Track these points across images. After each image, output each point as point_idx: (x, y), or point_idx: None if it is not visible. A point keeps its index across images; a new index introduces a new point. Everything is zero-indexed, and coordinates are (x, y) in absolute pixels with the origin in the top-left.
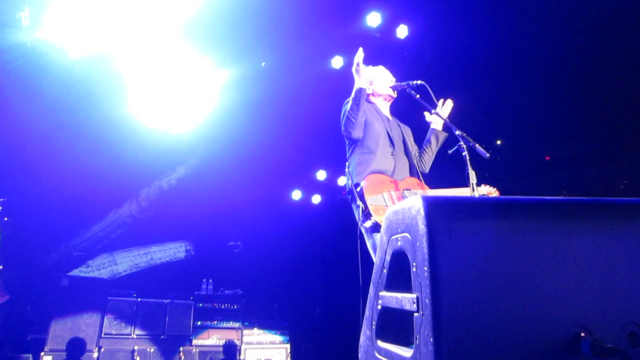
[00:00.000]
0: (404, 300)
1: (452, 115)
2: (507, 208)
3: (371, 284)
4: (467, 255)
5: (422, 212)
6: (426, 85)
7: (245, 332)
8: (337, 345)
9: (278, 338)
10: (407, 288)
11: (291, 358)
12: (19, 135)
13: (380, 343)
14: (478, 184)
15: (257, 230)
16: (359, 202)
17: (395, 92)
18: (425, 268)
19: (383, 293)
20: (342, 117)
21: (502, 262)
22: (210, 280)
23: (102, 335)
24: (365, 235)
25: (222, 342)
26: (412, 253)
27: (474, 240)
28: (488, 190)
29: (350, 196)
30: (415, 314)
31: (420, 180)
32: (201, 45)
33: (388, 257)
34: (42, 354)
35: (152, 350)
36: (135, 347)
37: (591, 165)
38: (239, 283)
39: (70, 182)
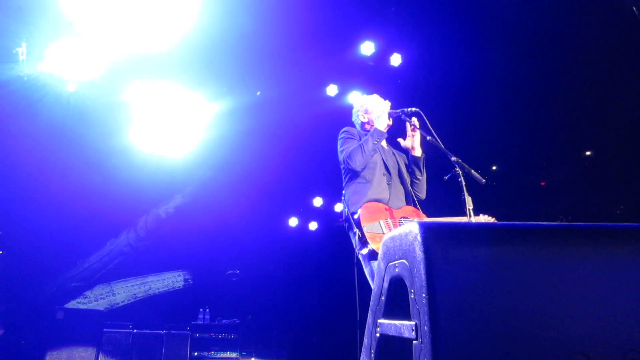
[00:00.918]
0: (403, 327)
1: (447, 142)
2: (504, 234)
3: (369, 312)
4: (465, 281)
5: (419, 238)
6: (421, 112)
7: None
8: None
9: None
10: (406, 315)
11: None
12: (14, 168)
13: None
14: (476, 213)
15: (254, 258)
16: (355, 230)
17: (391, 119)
18: (424, 295)
19: (381, 320)
20: (341, 146)
21: (501, 289)
22: (207, 310)
23: None
24: (362, 262)
25: None
26: (410, 280)
27: (472, 266)
28: (486, 219)
29: (347, 224)
30: (414, 342)
31: (417, 209)
32: (196, 76)
33: (386, 284)
34: None
35: None
36: None
37: (587, 190)
38: (236, 312)
39: (67, 213)
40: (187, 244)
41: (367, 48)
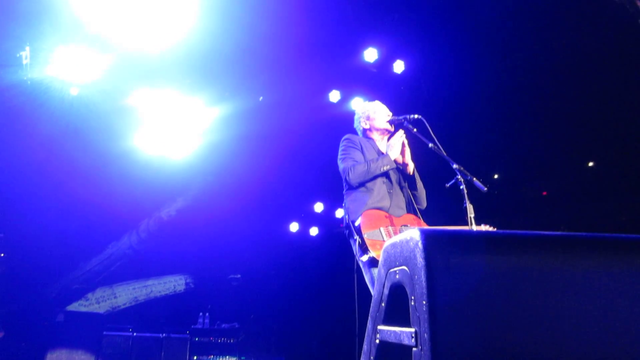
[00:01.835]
0: (402, 334)
1: (449, 149)
2: (506, 242)
3: (369, 318)
4: (466, 289)
5: (420, 245)
6: (423, 119)
7: None
8: None
9: None
10: (406, 322)
11: None
12: (16, 171)
13: None
14: (478, 222)
15: (254, 263)
16: (356, 237)
17: (393, 126)
18: (424, 302)
19: (381, 327)
20: (342, 154)
21: (501, 297)
22: (207, 314)
23: None
24: (362, 269)
25: None
26: (410, 286)
27: (473, 274)
28: (488, 229)
29: (347, 231)
30: (414, 349)
31: (418, 217)
32: (199, 80)
33: (386, 291)
34: None
35: None
36: None
37: (590, 200)
38: (235, 316)
39: (69, 216)
40: (189, 247)
41: (371, 55)
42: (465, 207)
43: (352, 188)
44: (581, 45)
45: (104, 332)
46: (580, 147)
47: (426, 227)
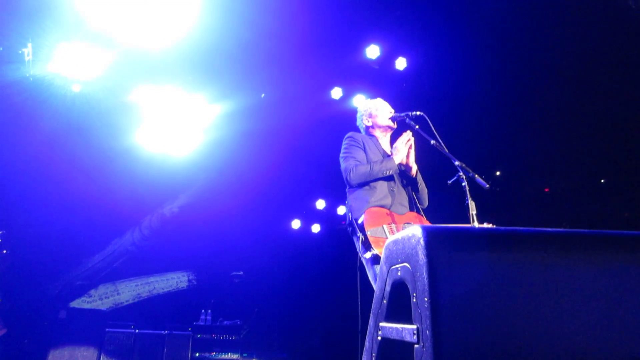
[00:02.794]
0: (404, 331)
1: (451, 146)
2: (507, 239)
3: (371, 315)
4: (467, 285)
5: (422, 242)
6: (425, 116)
7: None
8: None
9: None
10: (408, 319)
11: None
12: (19, 168)
13: None
14: (480, 220)
15: (256, 260)
16: (359, 234)
17: (395, 123)
18: (426, 299)
19: (383, 324)
20: (344, 153)
21: (503, 294)
22: (209, 311)
23: None
24: (365, 266)
25: None
26: (412, 283)
27: (475, 270)
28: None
29: (350, 228)
30: (416, 346)
31: (421, 215)
32: (201, 77)
33: (388, 288)
34: None
35: None
36: None
37: (591, 197)
38: (238, 313)
39: (71, 213)
40: (191, 244)
41: (373, 51)
42: (467, 204)
43: (354, 186)
44: (584, 41)
45: (107, 329)
46: (582, 144)
47: (428, 224)
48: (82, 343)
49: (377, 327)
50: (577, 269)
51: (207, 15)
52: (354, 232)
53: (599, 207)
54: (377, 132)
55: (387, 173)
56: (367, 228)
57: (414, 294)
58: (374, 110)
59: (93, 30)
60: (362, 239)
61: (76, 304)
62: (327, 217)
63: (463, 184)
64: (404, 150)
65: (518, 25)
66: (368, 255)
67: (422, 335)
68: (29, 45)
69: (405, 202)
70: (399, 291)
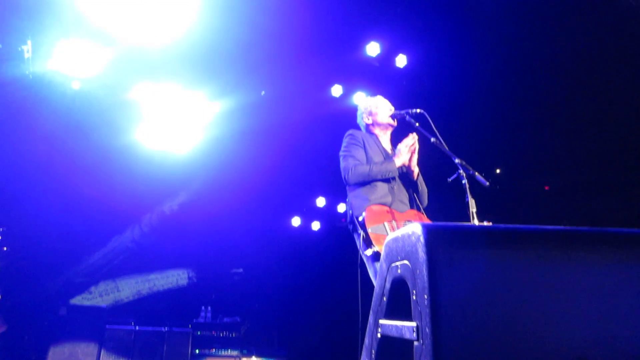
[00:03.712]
0: (404, 328)
1: (451, 144)
2: (507, 236)
3: (371, 312)
4: (467, 283)
5: (422, 239)
6: (425, 114)
7: None
8: None
9: None
10: (407, 316)
11: None
12: (19, 165)
13: None
14: (480, 218)
15: (256, 257)
16: (360, 231)
17: (395, 120)
18: (425, 296)
19: (383, 321)
20: (344, 151)
21: (503, 291)
22: (209, 308)
23: None
24: (366, 263)
25: None
26: (412, 281)
27: (474, 268)
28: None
29: (351, 226)
30: (415, 343)
31: (421, 213)
32: (201, 74)
33: (388, 285)
34: None
35: None
36: None
37: (591, 195)
38: (237, 310)
39: (71, 210)
40: (191, 241)
41: (373, 49)
42: (468, 202)
43: (355, 184)
44: (584, 39)
45: (107, 326)
46: (583, 142)
47: (429, 222)
48: (82, 340)
49: (376, 325)
50: (577, 266)
51: (207, 12)
52: (355, 230)
53: (599, 205)
54: (377, 130)
55: (386, 175)
56: (368, 225)
57: (414, 292)
58: (374, 108)
59: (93, 27)
60: (363, 236)
61: (76, 300)
62: (327, 215)
63: (463, 181)
64: (405, 155)
65: (518, 23)
66: (369, 252)
67: (421, 332)
68: (29, 42)
69: (406, 199)
70: (399, 288)
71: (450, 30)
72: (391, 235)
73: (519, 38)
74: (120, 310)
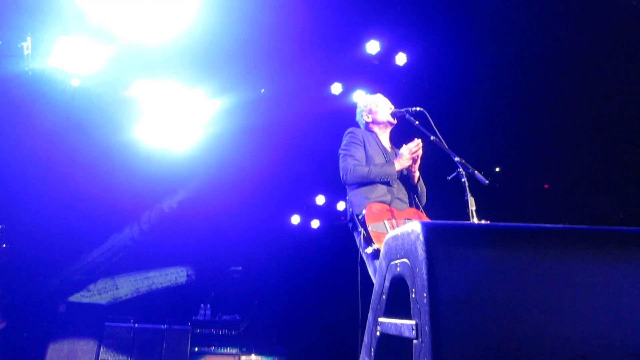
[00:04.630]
0: (403, 327)
1: (451, 142)
2: (507, 235)
3: (370, 310)
4: (466, 281)
5: (421, 237)
6: (425, 112)
7: (243, 358)
8: None
9: None
10: (407, 314)
11: None
12: (18, 162)
13: None
14: (479, 217)
15: (256, 255)
16: (360, 229)
17: (395, 118)
18: (425, 294)
19: (382, 319)
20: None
21: (502, 290)
22: (209, 306)
23: None
24: (366, 261)
25: None
26: (411, 279)
27: (474, 266)
28: None
29: (351, 224)
30: (415, 341)
31: (420, 211)
32: (200, 72)
33: (387, 283)
34: None
35: None
36: None
37: (591, 193)
38: (237, 308)
39: (70, 207)
40: (190, 239)
41: (373, 47)
42: (467, 200)
43: (353, 184)
44: (584, 36)
45: (106, 323)
46: (582, 140)
47: (428, 220)
48: (81, 337)
49: (375, 323)
50: (576, 264)
51: (206, 9)
52: (354, 228)
53: (598, 203)
54: (377, 128)
55: (385, 179)
56: (368, 223)
57: (413, 290)
58: (374, 106)
59: (92, 24)
60: (363, 234)
61: (75, 298)
62: (327, 213)
63: (463, 180)
64: (407, 162)
65: (518, 21)
66: (369, 250)
67: (420, 330)
68: (28, 39)
69: (405, 197)
70: (398, 287)
71: (450, 28)
72: (391, 233)
73: (519, 36)
74: (119, 308)
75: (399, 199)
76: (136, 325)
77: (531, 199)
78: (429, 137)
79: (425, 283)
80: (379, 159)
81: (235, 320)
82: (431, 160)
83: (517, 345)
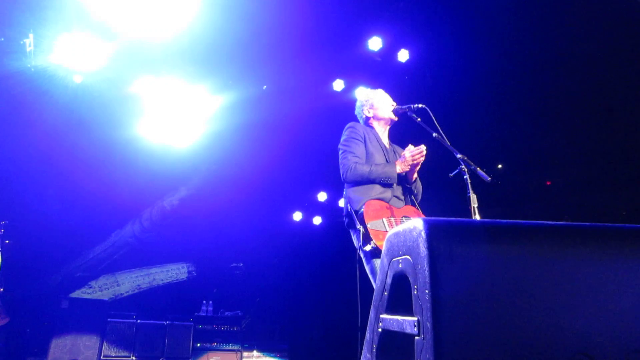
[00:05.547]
0: (405, 323)
1: (453, 139)
2: (509, 232)
3: (372, 307)
4: (468, 278)
5: (423, 234)
6: (427, 109)
7: (245, 354)
8: None
9: None
10: (408, 311)
11: None
12: (20, 159)
13: None
14: (482, 214)
15: (258, 252)
16: (359, 226)
17: (396, 116)
18: (427, 291)
19: (384, 316)
20: (344, 145)
21: (504, 286)
22: (210, 302)
23: (102, 357)
24: (364, 259)
25: None
26: (413, 276)
27: (476, 263)
28: None
29: (347, 220)
30: (416, 338)
31: (417, 209)
32: (202, 68)
33: (389, 280)
34: None
35: None
36: None
37: (593, 191)
38: (239, 304)
39: (72, 204)
40: (191, 236)
41: (375, 43)
42: (469, 197)
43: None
44: (586, 35)
45: (108, 319)
46: (584, 137)
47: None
48: (84, 332)
49: (377, 319)
50: (578, 261)
51: (208, 6)
52: (351, 225)
53: (600, 200)
54: (377, 124)
55: (385, 180)
56: (367, 221)
57: (415, 286)
58: (375, 102)
59: (95, 21)
60: (362, 231)
61: (76, 295)
62: (329, 210)
63: (465, 177)
64: (408, 166)
65: (521, 18)
66: (368, 248)
67: (422, 327)
68: (31, 35)
69: (402, 195)
70: (400, 283)
71: (452, 25)
72: (392, 230)
73: (521, 33)
74: (121, 304)
75: (396, 196)
76: (138, 321)
77: (533, 196)
78: (431, 134)
79: (427, 280)
80: (378, 156)
81: (237, 317)
82: (433, 157)
83: (519, 341)
